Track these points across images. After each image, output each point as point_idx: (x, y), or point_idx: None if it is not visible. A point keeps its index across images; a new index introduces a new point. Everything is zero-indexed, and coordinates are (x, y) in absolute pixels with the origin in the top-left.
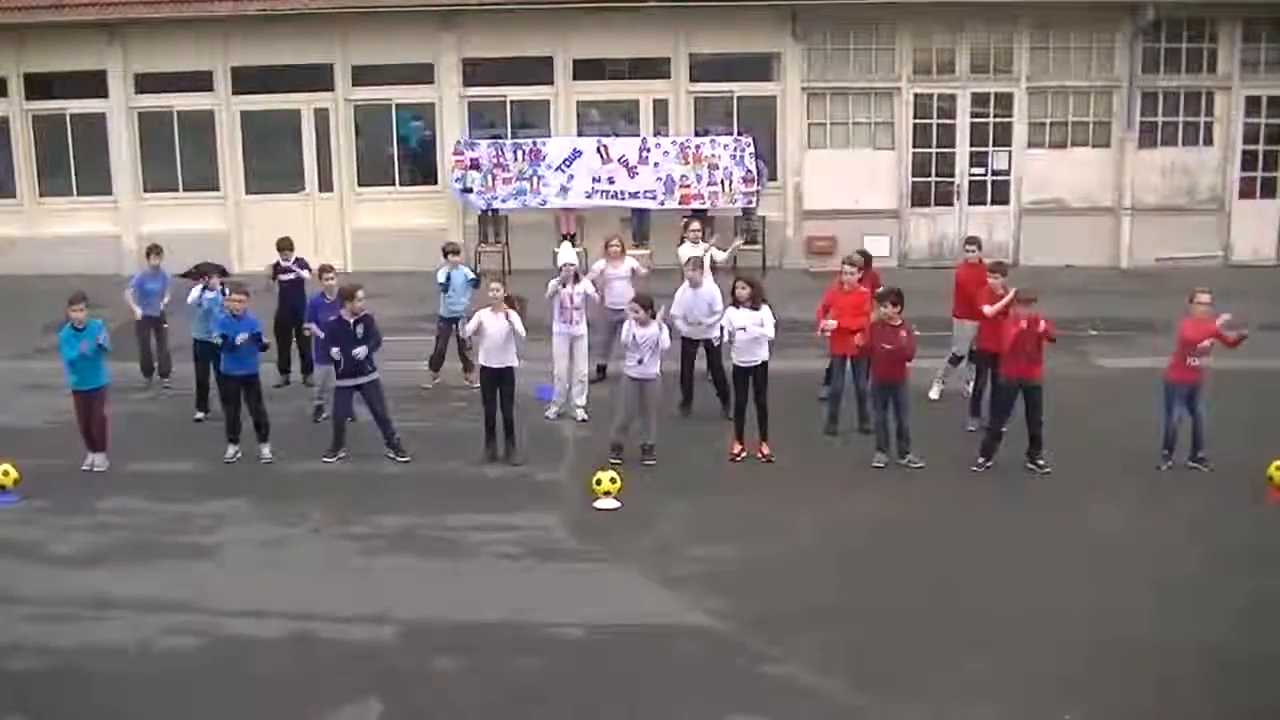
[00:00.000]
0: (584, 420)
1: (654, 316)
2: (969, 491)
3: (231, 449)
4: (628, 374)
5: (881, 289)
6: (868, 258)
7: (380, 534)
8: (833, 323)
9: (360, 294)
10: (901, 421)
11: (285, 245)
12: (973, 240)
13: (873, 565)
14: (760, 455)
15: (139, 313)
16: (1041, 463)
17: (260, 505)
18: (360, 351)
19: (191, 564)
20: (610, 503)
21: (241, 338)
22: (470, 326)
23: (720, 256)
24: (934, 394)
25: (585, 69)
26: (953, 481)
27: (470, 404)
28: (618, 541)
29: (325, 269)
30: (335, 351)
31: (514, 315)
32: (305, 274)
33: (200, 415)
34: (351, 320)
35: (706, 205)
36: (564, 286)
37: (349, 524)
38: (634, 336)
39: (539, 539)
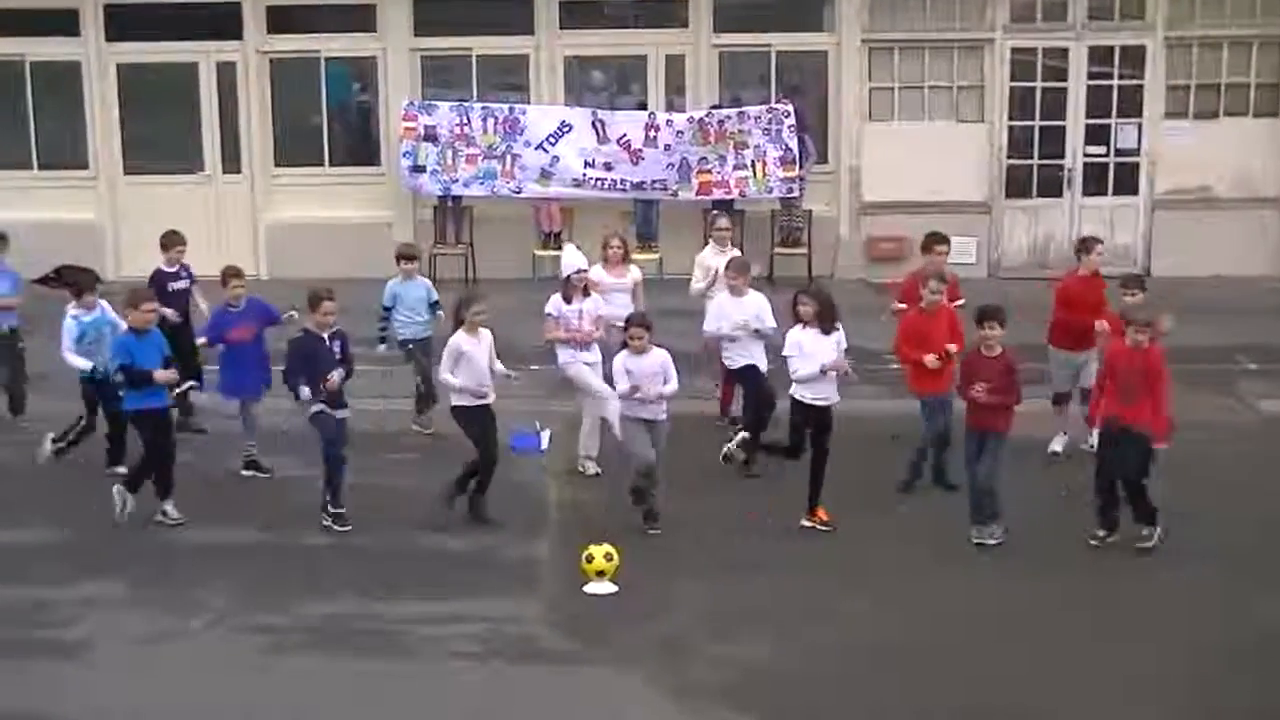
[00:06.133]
0: (596, 474)
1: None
2: (1075, 574)
3: (171, 506)
4: (630, 415)
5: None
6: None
7: (300, 626)
8: (952, 346)
9: (329, 305)
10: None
11: (172, 243)
12: (1092, 241)
13: (943, 669)
14: (817, 522)
15: None
16: (1102, 534)
17: (143, 587)
18: (336, 376)
19: (48, 666)
20: (605, 586)
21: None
22: (452, 379)
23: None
24: (1057, 446)
25: (576, 13)
26: (1057, 560)
27: (423, 455)
28: (613, 637)
29: (231, 273)
30: (336, 376)
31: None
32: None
33: (121, 469)
34: (326, 337)
35: (733, 196)
36: (568, 303)
37: (259, 613)
38: (626, 370)
39: (509, 634)
